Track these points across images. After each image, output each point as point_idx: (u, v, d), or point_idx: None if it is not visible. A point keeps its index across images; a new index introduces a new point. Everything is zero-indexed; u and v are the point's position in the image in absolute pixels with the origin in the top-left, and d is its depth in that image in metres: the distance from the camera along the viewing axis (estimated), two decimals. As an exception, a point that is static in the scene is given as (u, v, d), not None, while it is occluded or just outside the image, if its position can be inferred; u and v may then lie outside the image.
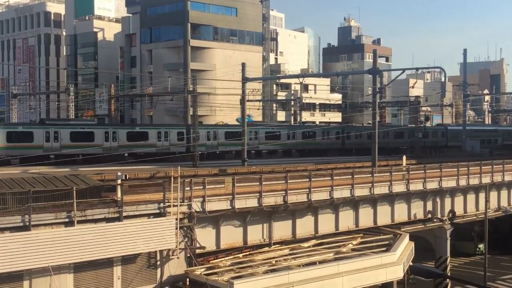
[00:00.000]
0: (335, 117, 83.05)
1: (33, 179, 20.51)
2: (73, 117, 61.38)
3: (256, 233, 24.19)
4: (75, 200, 18.64)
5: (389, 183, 29.15)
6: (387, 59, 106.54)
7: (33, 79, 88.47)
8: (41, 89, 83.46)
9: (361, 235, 27.89)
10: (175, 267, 20.80)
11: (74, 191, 18.80)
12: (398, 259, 24.38)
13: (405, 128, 64.63)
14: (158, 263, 20.53)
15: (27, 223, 17.69)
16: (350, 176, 27.47)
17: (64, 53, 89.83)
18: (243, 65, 41.71)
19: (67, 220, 18.46)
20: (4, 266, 16.80)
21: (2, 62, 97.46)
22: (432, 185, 31.34)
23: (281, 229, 25.03)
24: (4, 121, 66.03)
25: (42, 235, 17.57)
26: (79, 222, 18.56)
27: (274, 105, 79.39)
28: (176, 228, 20.37)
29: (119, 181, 20.07)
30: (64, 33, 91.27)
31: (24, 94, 73.83)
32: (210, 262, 22.37)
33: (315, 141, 54.59)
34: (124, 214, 19.57)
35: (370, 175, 28.60)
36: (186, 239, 21.12)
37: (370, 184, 28.15)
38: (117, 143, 43.65)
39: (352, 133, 55.99)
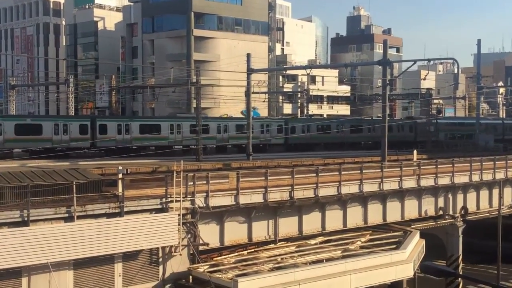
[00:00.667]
0: (343, 109, 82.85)
1: (31, 173, 20.60)
2: (73, 109, 61.52)
3: (261, 229, 24.22)
4: (75, 194, 18.71)
5: (399, 178, 29.06)
6: (397, 50, 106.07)
7: (31, 70, 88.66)
8: (40, 80, 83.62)
9: (370, 232, 27.88)
10: (178, 264, 20.87)
11: (74, 186, 18.87)
12: (408, 257, 24.35)
13: (365, 120, 59.33)
14: (160, 260, 20.61)
15: (26, 218, 17.78)
16: (359, 171, 27.42)
17: (64, 43, 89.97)
18: (248, 55, 41.65)
19: (66, 215, 18.54)
20: (2, 263, 16.90)
21: (0, 52, 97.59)
22: (444, 180, 31.26)
23: (287, 225, 25.04)
24: (2, 113, 66.21)
25: (41, 230, 17.66)
26: (79, 217, 18.64)
27: (281, 97, 79.33)
28: (179, 224, 20.42)
29: (120, 175, 20.12)
30: (63, 23, 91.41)
31: (23, 86, 73.99)
32: (214, 259, 22.43)
33: (252, 136, 47.63)
34: (125, 209, 19.62)
35: (380, 170, 28.51)
36: (189, 236, 21.17)
37: (380, 180, 28.08)
38: (3, 137, 39.65)
39: (298, 127, 52.51)
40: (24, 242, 17.22)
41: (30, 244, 17.29)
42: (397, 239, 26.62)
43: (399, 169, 29.40)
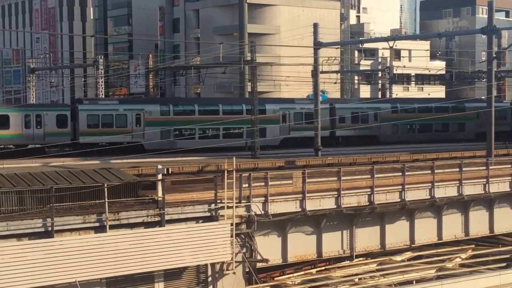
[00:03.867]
0: (437, 91, 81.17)
1: (56, 174, 21.24)
2: (103, 96, 63.06)
3: (333, 242, 24.18)
4: (107, 199, 19.18)
5: (510, 178, 28.59)
6: (507, 14, 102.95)
7: (54, 50, 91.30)
8: (64, 62, 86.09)
9: (473, 246, 27.58)
10: (231, 284, 21.06)
11: (106, 189, 19.33)
12: (523, 278, 23.80)
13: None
14: (210, 279, 20.85)
15: (50, 228, 18.37)
16: (458, 169, 27.09)
17: (92, 17, 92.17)
18: (316, 26, 41.45)
19: (97, 224, 19.04)
20: (22, 281, 17.48)
21: (17, 29, 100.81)
22: None
23: (366, 237, 24.94)
24: (20, 101, 68.62)
25: (68, 243, 18.20)
26: (112, 227, 19.10)
27: (356, 77, 78.51)
28: (232, 236, 20.59)
29: (160, 176, 20.47)
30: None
31: (44, 69, 76.23)
32: (275, 279, 22.56)
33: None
34: (167, 217, 19.97)
35: (485, 167, 28.08)
36: (244, 250, 21.33)
37: (485, 180, 27.68)
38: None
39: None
40: (48, 256, 17.78)
41: (54, 259, 17.84)
42: (508, 255, 26.13)
43: (510, 166, 28.85)
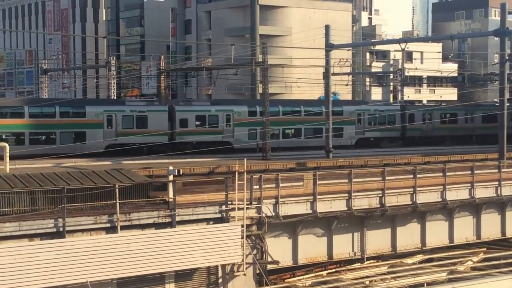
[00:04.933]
0: (449, 93, 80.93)
1: (67, 175, 21.33)
2: (115, 97, 63.28)
3: (344, 244, 24.17)
4: (118, 200, 19.24)
5: (523, 181, 28.39)
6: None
7: (66, 51, 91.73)
8: (76, 63, 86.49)
9: (484, 249, 27.51)
10: (241, 286, 21.08)
11: (117, 189, 19.40)
12: (535, 282, 23.68)
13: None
14: (220, 280, 20.87)
15: (61, 229, 18.46)
16: (469, 172, 27.02)
17: (104, 18, 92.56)
18: (327, 28, 41.46)
19: (108, 225, 19.12)
20: (33, 282, 17.54)
21: (30, 31, 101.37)
22: None
23: (377, 240, 24.90)
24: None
25: (79, 243, 18.27)
26: (123, 227, 19.17)
27: (368, 79, 78.40)
28: (242, 237, 20.61)
29: (171, 177, 20.52)
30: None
31: (56, 70, 76.71)
32: (286, 281, 22.55)
33: None
34: (178, 218, 20.02)
35: (497, 170, 27.96)
36: (254, 252, 21.34)
37: (497, 183, 27.54)
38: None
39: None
40: (59, 257, 17.85)
41: (66, 259, 17.91)
42: (520, 259, 25.96)
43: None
